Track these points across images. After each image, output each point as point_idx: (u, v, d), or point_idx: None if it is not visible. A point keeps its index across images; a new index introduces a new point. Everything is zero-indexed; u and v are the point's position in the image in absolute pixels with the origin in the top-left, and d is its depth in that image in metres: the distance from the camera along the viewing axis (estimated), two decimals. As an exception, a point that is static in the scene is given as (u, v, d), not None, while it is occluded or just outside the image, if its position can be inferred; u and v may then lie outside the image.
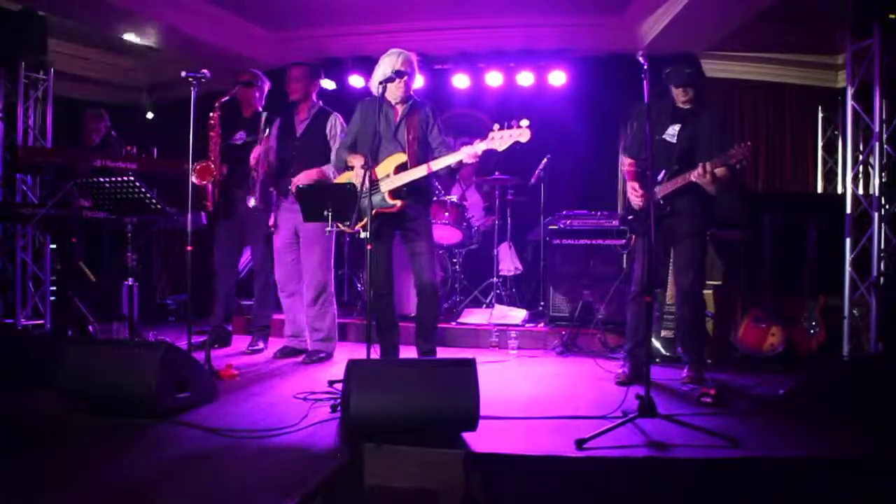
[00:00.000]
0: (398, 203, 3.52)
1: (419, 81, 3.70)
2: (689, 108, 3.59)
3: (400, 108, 3.64)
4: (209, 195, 4.26)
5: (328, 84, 6.48)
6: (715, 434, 2.57)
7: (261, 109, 4.43)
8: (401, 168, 3.53)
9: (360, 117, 3.69)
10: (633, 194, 3.64)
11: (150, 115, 6.41)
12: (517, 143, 3.35)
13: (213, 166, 4.20)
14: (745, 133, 6.19)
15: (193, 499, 2.09)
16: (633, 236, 3.72)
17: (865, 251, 4.30)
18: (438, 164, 3.48)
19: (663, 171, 3.53)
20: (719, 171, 3.33)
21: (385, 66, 3.54)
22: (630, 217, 3.72)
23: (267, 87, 4.54)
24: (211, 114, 4.23)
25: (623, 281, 4.61)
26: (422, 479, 2.34)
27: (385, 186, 3.53)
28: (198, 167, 4.15)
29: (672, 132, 3.57)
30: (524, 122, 3.33)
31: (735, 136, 5.87)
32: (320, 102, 4.36)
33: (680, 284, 3.65)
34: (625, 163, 3.82)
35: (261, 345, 4.51)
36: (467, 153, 3.41)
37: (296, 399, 3.18)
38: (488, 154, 3.45)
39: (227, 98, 4.26)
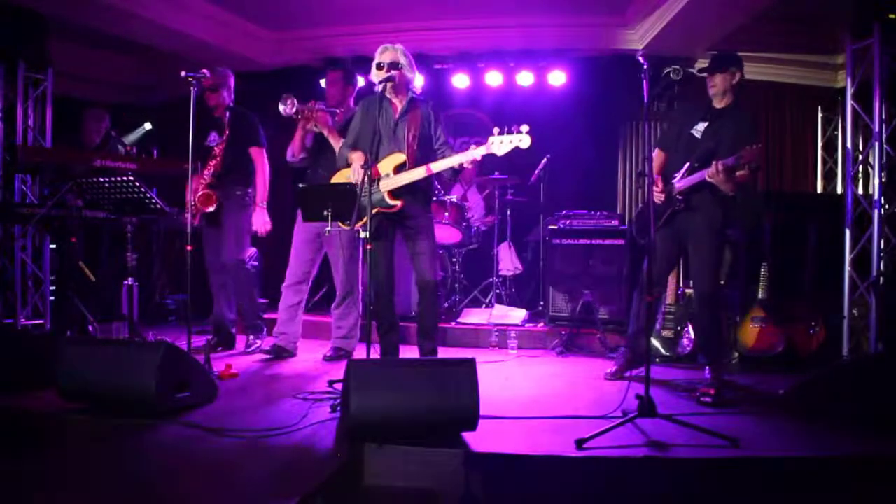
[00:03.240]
0: (398, 203, 3.52)
1: (419, 80, 3.69)
2: (722, 108, 3.50)
3: (399, 105, 3.63)
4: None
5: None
6: (715, 434, 2.57)
7: (231, 104, 4.39)
8: (400, 168, 3.53)
9: (361, 115, 3.68)
10: (655, 189, 3.55)
11: (147, 126, 6.42)
12: (517, 148, 3.36)
13: (213, 195, 4.21)
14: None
15: (193, 499, 2.09)
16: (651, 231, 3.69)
17: (865, 251, 4.30)
18: (438, 167, 3.49)
19: (686, 166, 3.49)
20: (739, 173, 3.25)
21: (374, 62, 3.55)
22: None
23: (232, 80, 4.43)
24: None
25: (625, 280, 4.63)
26: (422, 479, 2.34)
27: (385, 186, 3.52)
28: (201, 196, 4.16)
29: (700, 128, 3.53)
30: (524, 128, 3.33)
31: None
32: (356, 108, 4.30)
33: (695, 286, 3.60)
34: (656, 156, 3.73)
35: (258, 342, 4.47)
36: (466, 158, 3.43)
37: (296, 399, 3.18)
38: (488, 155, 3.45)
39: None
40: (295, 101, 3.99)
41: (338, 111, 4.21)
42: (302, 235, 4.33)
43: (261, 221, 4.33)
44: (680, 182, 3.48)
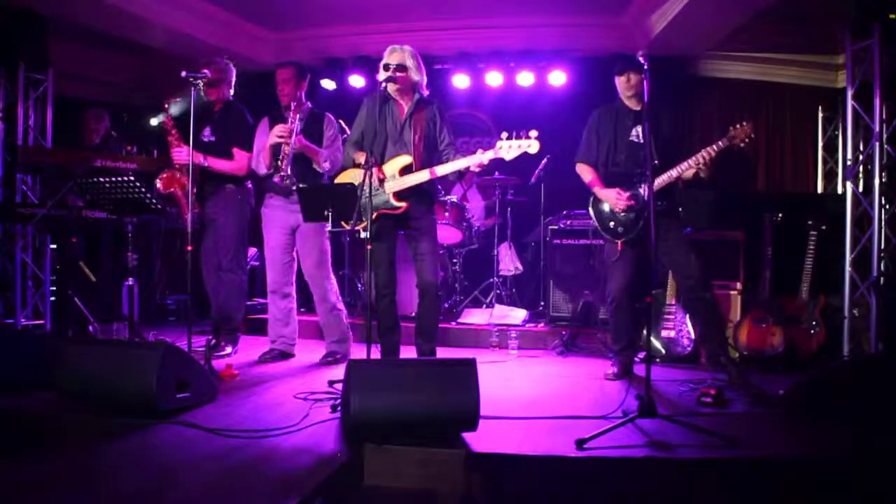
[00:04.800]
0: (403, 205, 3.51)
1: (424, 80, 3.69)
2: (642, 108, 3.62)
3: (405, 106, 3.63)
4: (181, 203, 4.12)
5: (328, 84, 6.48)
6: (715, 434, 2.57)
7: (230, 98, 4.30)
8: (406, 170, 3.52)
9: (366, 114, 3.66)
10: (619, 199, 3.65)
11: (154, 122, 6.41)
12: (525, 153, 3.36)
13: (178, 174, 4.13)
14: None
15: (193, 499, 2.09)
16: (619, 243, 3.72)
17: (865, 251, 4.30)
18: (443, 170, 3.47)
19: (637, 171, 3.64)
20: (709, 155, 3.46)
21: (382, 63, 3.54)
22: (612, 224, 3.74)
23: (233, 75, 4.33)
24: (163, 118, 4.14)
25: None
26: (422, 479, 2.35)
27: (390, 188, 3.52)
28: (164, 175, 4.10)
29: (636, 133, 3.66)
30: (533, 133, 3.33)
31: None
32: (309, 103, 4.21)
33: (692, 279, 3.62)
34: (585, 172, 3.84)
35: (228, 349, 4.34)
36: (473, 161, 3.41)
37: (296, 399, 3.18)
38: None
39: (179, 99, 4.08)
40: (264, 164, 4.00)
41: (293, 124, 3.99)
42: (272, 242, 4.20)
43: (181, 154, 4.11)
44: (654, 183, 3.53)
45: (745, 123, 3.36)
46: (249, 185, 4.36)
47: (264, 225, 4.25)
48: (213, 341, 4.35)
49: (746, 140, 3.36)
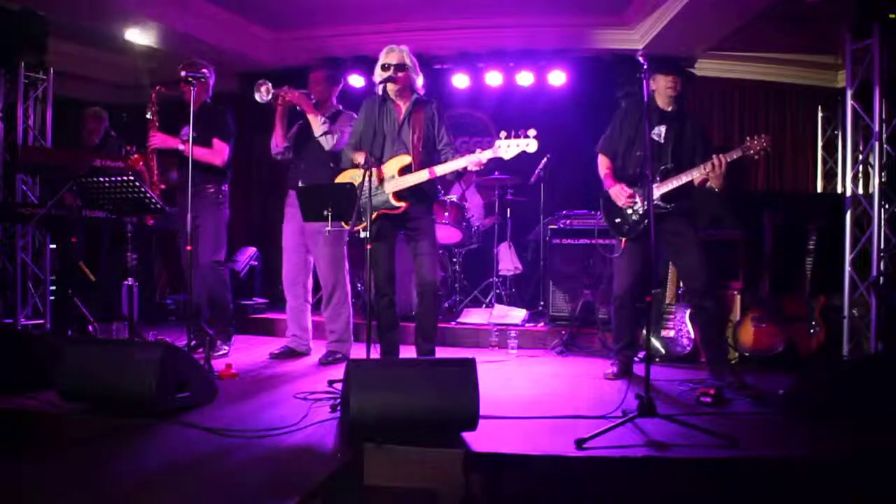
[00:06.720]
0: (403, 205, 3.51)
1: (420, 80, 3.69)
2: (672, 110, 3.61)
3: (403, 106, 3.62)
4: (145, 179, 4.10)
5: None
6: (715, 434, 2.57)
7: (209, 100, 4.27)
8: (405, 170, 3.52)
9: (364, 116, 3.67)
10: (621, 195, 3.63)
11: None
12: (523, 152, 3.35)
13: (141, 161, 4.15)
14: (745, 133, 6.19)
15: (193, 499, 2.09)
16: (623, 240, 3.70)
17: (865, 251, 4.30)
18: (442, 170, 3.47)
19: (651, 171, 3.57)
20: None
21: (379, 63, 3.54)
22: (618, 220, 3.70)
23: (213, 80, 4.29)
24: (151, 96, 4.15)
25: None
26: (422, 479, 2.35)
27: (389, 188, 3.51)
28: (134, 157, 4.15)
29: (658, 132, 3.60)
30: (531, 132, 3.33)
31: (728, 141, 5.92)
32: (340, 106, 4.24)
33: (697, 284, 3.58)
34: (601, 163, 3.83)
35: (225, 348, 4.31)
36: (471, 161, 3.41)
37: (296, 399, 3.19)
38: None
39: (167, 90, 4.11)
40: (269, 86, 3.98)
41: (313, 98, 4.14)
42: (289, 239, 4.26)
43: (155, 140, 4.13)
44: (661, 185, 3.52)
45: (763, 136, 3.28)
46: (226, 189, 4.30)
47: (284, 222, 4.30)
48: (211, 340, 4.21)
49: (762, 152, 3.30)
